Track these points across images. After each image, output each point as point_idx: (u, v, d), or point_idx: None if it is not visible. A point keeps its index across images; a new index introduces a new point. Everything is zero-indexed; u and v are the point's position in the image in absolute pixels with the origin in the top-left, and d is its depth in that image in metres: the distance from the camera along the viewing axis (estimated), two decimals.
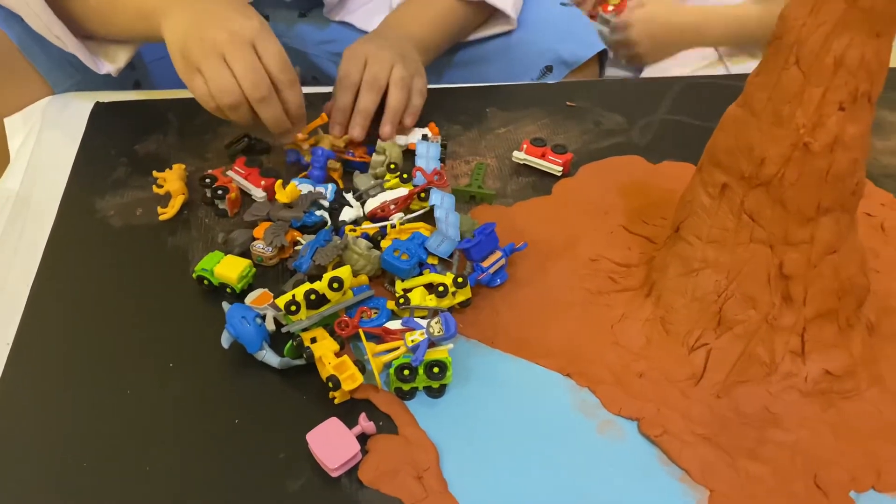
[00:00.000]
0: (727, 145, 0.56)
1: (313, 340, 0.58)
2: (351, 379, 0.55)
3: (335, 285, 0.61)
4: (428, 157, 0.76)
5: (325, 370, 0.56)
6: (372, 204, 0.70)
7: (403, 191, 0.71)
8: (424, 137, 0.81)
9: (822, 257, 0.57)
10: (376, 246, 0.68)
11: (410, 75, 0.79)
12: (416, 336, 0.58)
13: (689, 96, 0.93)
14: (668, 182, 0.78)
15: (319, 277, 0.60)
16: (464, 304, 0.63)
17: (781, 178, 0.54)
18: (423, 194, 0.71)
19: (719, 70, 1.11)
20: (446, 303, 0.62)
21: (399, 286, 0.64)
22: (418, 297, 0.62)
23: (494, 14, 0.96)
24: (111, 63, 0.83)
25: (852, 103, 0.51)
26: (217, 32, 0.67)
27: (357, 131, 0.78)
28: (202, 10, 0.69)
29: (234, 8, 0.70)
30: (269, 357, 0.58)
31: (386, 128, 0.78)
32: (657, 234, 0.71)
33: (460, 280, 0.61)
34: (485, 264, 0.65)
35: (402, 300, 0.61)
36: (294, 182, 0.70)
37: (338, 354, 0.57)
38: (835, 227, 0.56)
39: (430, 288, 0.63)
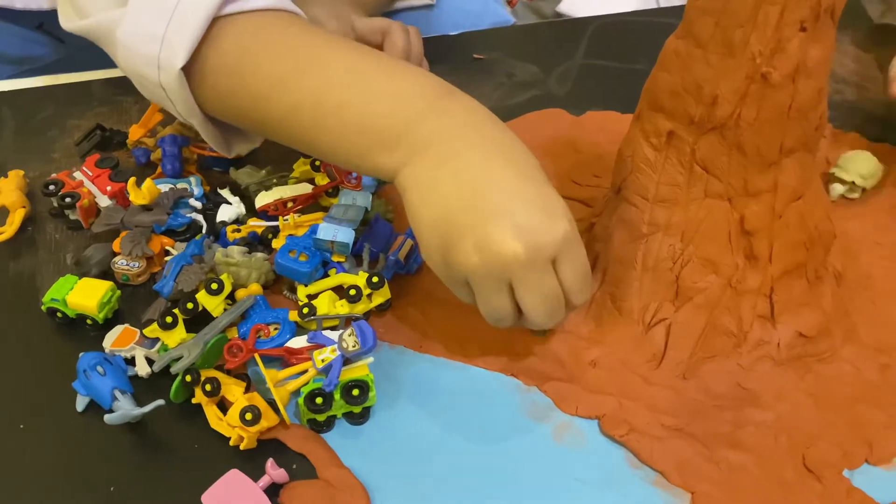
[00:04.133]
0: (670, 85, 0.48)
1: (212, 389, 0.47)
2: (265, 417, 0.45)
3: (213, 286, 0.50)
4: None
5: (234, 410, 0.46)
6: (265, 198, 0.58)
7: (306, 187, 0.59)
8: None
9: (786, 206, 0.49)
10: (268, 248, 0.56)
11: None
12: (327, 354, 0.48)
13: (606, 37, 0.84)
14: (596, 135, 0.70)
15: (185, 304, 0.49)
16: (382, 308, 0.53)
17: (738, 118, 0.46)
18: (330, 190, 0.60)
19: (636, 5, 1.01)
20: (361, 308, 0.51)
21: (302, 292, 0.53)
22: (326, 305, 0.51)
23: None
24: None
25: (814, 21, 0.43)
26: (507, 238, 0.43)
27: None
28: (478, 177, 0.45)
29: (525, 176, 0.45)
30: (123, 408, 0.46)
31: None
32: (592, 196, 0.62)
33: (375, 279, 0.51)
34: (390, 252, 0.55)
35: (306, 310, 0.51)
36: (150, 180, 0.57)
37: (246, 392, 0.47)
38: (799, 170, 0.49)
39: (340, 291, 0.52)
